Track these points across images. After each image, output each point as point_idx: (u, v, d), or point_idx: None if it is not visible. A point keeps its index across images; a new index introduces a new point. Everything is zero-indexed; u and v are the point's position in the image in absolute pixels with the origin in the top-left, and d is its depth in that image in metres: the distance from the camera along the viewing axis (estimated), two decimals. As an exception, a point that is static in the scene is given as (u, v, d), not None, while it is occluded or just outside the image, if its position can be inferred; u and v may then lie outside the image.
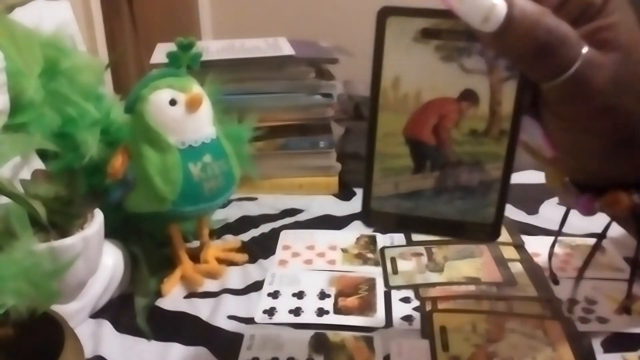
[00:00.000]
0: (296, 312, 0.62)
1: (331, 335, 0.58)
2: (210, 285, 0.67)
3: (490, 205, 0.36)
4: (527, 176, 0.96)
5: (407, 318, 0.60)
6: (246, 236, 0.78)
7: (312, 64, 0.88)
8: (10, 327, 0.46)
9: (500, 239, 0.74)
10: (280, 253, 0.74)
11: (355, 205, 0.87)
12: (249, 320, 0.61)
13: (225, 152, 0.66)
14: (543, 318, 0.59)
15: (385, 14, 0.34)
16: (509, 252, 0.72)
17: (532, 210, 0.84)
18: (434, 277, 0.67)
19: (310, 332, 0.58)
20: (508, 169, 0.35)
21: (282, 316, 0.61)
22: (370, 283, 0.66)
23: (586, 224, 0.79)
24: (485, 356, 0.54)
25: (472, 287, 0.65)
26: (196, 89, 0.64)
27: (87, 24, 1.10)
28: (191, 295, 0.66)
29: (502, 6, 0.30)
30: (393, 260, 0.71)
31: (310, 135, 0.89)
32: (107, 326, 0.60)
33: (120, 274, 0.64)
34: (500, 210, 0.36)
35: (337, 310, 0.62)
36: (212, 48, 0.91)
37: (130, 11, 1.25)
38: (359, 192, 0.92)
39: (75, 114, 0.64)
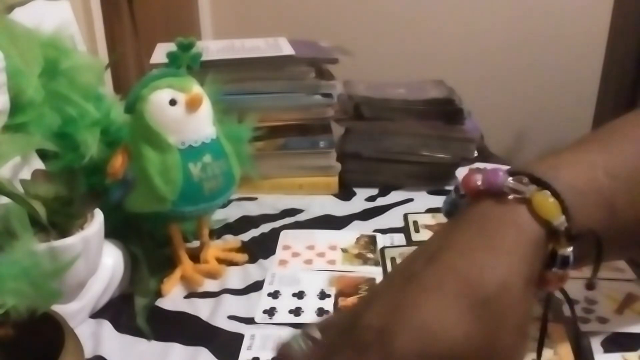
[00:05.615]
0: (296, 312, 0.62)
1: (331, 335, 0.58)
2: (210, 285, 0.67)
3: None
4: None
5: (407, 318, 0.60)
6: (246, 236, 0.78)
7: (312, 64, 0.88)
8: (10, 327, 0.46)
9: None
10: (280, 253, 0.74)
11: (355, 205, 0.87)
12: (249, 320, 0.61)
13: (225, 152, 0.66)
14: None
15: None
16: (509, 252, 0.72)
17: (532, 210, 0.84)
18: (434, 277, 0.67)
19: (310, 332, 0.58)
20: None
21: (282, 316, 0.61)
22: (371, 283, 0.66)
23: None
24: (485, 356, 0.54)
25: (472, 287, 0.65)
26: (196, 89, 0.64)
27: (87, 24, 1.10)
28: (191, 295, 0.66)
29: None
30: (393, 260, 0.71)
31: (310, 135, 0.89)
32: (107, 326, 0.60)
33: (120, 274, 0.64)
34: None
35: (338, 310, 0.62)
36: (212, 48, 0.91)
37: (130, 11, 1.25)
38: (359, 192, 0.92)
39: (75, 114, 0.64)
